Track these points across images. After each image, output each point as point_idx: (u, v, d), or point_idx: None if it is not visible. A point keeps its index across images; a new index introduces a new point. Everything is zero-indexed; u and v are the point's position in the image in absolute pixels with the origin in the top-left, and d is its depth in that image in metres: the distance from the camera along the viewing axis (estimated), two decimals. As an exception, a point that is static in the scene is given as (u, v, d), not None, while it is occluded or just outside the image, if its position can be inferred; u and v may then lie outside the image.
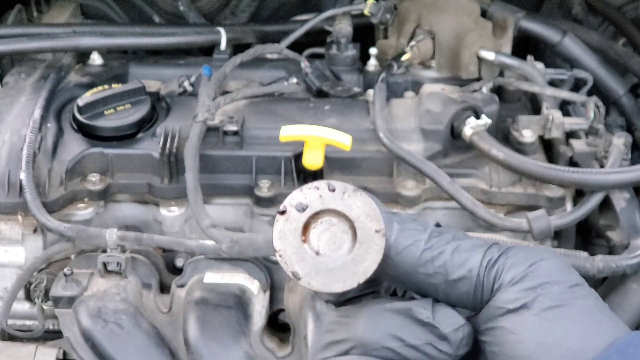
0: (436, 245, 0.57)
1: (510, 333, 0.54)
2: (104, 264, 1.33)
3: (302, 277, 0.54)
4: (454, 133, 1.45)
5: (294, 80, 1.60)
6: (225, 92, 1.55)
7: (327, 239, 0.54)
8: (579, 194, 1.43)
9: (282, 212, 0.55)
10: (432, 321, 0.56)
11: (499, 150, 1.38)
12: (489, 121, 1.43)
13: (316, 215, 0.56)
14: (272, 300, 1.39)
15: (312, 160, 1.38)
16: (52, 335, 1.41)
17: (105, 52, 1.71)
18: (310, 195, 0.56)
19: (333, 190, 0.55)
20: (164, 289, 1.40)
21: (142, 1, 1.93)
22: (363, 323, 0.57)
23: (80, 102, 1.47)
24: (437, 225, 0.61)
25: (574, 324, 0.53)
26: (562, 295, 0.55)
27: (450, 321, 0.57)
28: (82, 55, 1.70)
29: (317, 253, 0.55)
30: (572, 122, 1.48)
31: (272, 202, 1.41)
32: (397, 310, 0.57)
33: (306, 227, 0.56)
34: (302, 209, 0.56)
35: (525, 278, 0.55)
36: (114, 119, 1.46)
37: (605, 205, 1.41)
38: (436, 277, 0.56)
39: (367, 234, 0.53)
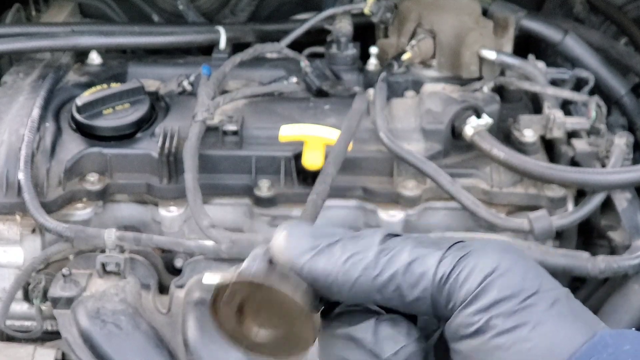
0: (386, 267, 0.54)
1: (468, 358, 0.52)
2: (103, 265, 1.33)
3: None
4: (455, 133, 1.45)
5: (294, 79, 1.60)
6: (224, 92, 1.54)
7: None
8: (581, 194, 1.42)
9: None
10: (373, 346, 0.55)
11: (500, 150, 1.37)
12: (490, 121, 1.43)
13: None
14: (272, 300, 1.39)
15: (312, 160, 1.37)
16: (51, 336, 1.40)
17: (104, 52, 1.71)
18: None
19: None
20: (163, 289, 1.39)
21: (141, 0, 1.93)
22: (318, 348, 0.57)
23: (79, 101, 1.46)
24: (387, 235, 0.56)
25: (533, 340, 0.50)
26: (517, 313, 0.51)
27: (390, 345, 0.55)
28: (81, 55, 1.69)
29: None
30: (574, 122, 1.48)
31: (271, 202, 1.40)
32: (342, 336, 0.56)
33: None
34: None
35: (478, 298, 0.52)
36: (112, 119, 1.46)
37: (607, 205, 1.40)
38: (393, 301, 0.55)
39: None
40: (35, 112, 1.45)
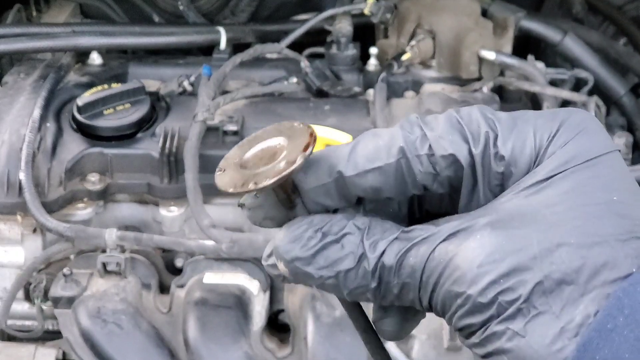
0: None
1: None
2: (104, 264, 1.33)
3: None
4: (455, 133, 1.45)
5: (294, 79, 1.60)
6: (225, 92, 1.54)
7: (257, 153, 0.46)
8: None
9: None
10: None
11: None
12: (489, 121, 1.43)
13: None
14: (272, 300, 1.39)
15: (312, 160, 1.37)
16: (52, 336, 1.41)
17: (105, 52, 1.71)
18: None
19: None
20: (163, 289, 1.39)
21: (142, 1, 1.93)
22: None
23: (80, 101, 1.46)
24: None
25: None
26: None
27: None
28: (82, 55, 1.69)
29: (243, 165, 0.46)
30: (573, 122, 1.48)
31: (272, 202, 1.40)
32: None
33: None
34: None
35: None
36: (113, 119, 1.46)
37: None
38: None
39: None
40: (36, 112, 1.45)
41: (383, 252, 0.42)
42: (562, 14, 1.88)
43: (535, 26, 1.66)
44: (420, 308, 0.43)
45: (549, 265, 0.39)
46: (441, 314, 0.42)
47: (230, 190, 0.46)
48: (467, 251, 0.40)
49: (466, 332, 0.41)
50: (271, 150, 0.45)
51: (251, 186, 0.45)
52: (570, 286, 0.38)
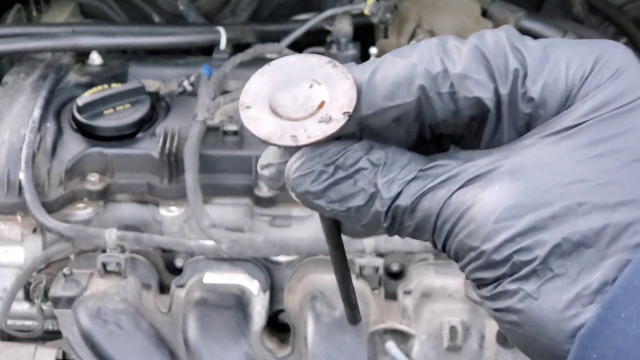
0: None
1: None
2: (104, 264, 1.33)
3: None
4: (455, 133, 1.45)
5: (294, 79, 1.60)
6: (225, 92, 1.54)
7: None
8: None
9: None
10: None
11: (499, 150, 1.37)
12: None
13: None
14: (272, 300, 1.39)
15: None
16: (52, 336, 1.40)
17: (105, 52, 1.71)
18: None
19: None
20: (163, 289, 1.39)
21: (142, 1, 1.93)
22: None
23: (80, 101, 1.46)
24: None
25: None
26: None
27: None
28: (82, 55, 1.69)
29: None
30: (573, 122, 1.48)
31: (272, 202, 1.41)
32: None
33: None
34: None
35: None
36: (113, 119, 1.46)
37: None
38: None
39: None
40: (36, 113, 1.45)
41: (399, 194, 0.40)
42: (562, 14, 1.88)
43: (535, 26, 1.66)
44: (435, 249, 0.42)
45: (569, 226, 0.37)
46: (454, 261, 0.41)
47: (272, 141, 0.41)
48: (484, 203, 0.38)
49: (478, 283, 0.40)
50: (306, 96, 0.42)
51: (295, 141, 0.40)
52: (590, 249, 0.36)
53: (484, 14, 1.64)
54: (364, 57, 1.68)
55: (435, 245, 0.41)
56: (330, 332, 1.29)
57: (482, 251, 0.38)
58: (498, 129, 0.41)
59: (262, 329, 1.35)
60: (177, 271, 1.40)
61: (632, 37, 1.78)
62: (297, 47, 1.67)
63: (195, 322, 1.29)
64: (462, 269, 0.40)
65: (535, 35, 1.66)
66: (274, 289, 1.39)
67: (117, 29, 1.72)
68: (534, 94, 0.39)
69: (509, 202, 0.38)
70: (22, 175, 1.36)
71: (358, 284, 1.32)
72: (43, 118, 1.46)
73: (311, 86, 0.42)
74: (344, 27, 1.65)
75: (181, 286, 1.35)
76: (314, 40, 1.73)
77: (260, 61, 1.65)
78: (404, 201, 0.40)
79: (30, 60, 1.68)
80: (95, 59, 1.67)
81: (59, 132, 1.47)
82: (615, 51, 0.40)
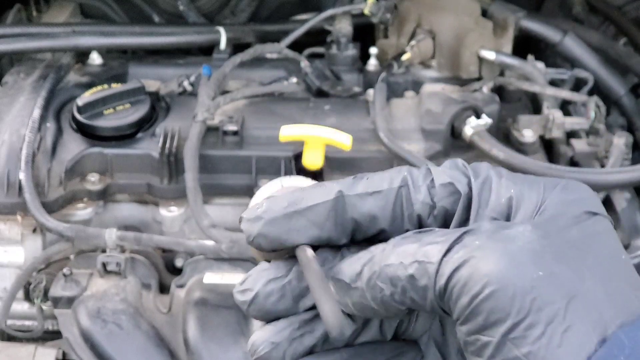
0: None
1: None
2: (104, 264, 1.33)
3: None
4: (455, 133, 1.45)
5: (294, 80, 1.60)
6: (225, 92, 1.54)
7: None
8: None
9: None
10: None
11: (499, 150, 1.38)
12: (489, 121, 1.43)
13: None
14: (272, 300, 1.39)
15: (312, 160, 1.37)
16: (52, 336, 1.40)
17: (105, 52, 1.71)
18: None
19: None
20: (163, 289, 1.39)
21: (142, 1, 1.93)
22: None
23: (80, 101, 1.46)
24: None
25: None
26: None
27: None
28: (82, 55, 1.69)
29: None
30: (573, 122, 1.48)
31: (272, 202, 1.40)
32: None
33: None
34: None
35: (468, 319, 0.40)
36: (113, 119, 1.46)
37: (606, 205, 1.40)
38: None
39: None
40: (36, 113, 1.45)
41: None
42: (562, 14, 1.88)
43: (535, 26, 1.66)
44: None
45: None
46: None
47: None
48: None
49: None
50: None
51: None
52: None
53: (484, 14, 1.64)
54: (364, 57, 1.68)
55: None
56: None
57: None
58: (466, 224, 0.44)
59: (262, 329, 1.34)
60: (177, 271, 1.40)
61: (631, 37, 1.78)
62: (297, 47, 1.67)
63: (195, 322, 1.29)
64: None
65: (535, 35, 1.66)
66: (273, 289, 1.39)
67: (117, 29, 1.72)
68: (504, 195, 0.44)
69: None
70: (22, 175, 1.36)
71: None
72: (43, 118, 1.46)
73: None
74: (344, 27, 1.65)
75: (181, 286, 1.35)
76: (314, 40, 1.73)
77: (260, 61, 1.65)
78: None
79: (30, 60, 1.68)
80: (95, 59, 1.67)
81: (59, 132, 1.47)
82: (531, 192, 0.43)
